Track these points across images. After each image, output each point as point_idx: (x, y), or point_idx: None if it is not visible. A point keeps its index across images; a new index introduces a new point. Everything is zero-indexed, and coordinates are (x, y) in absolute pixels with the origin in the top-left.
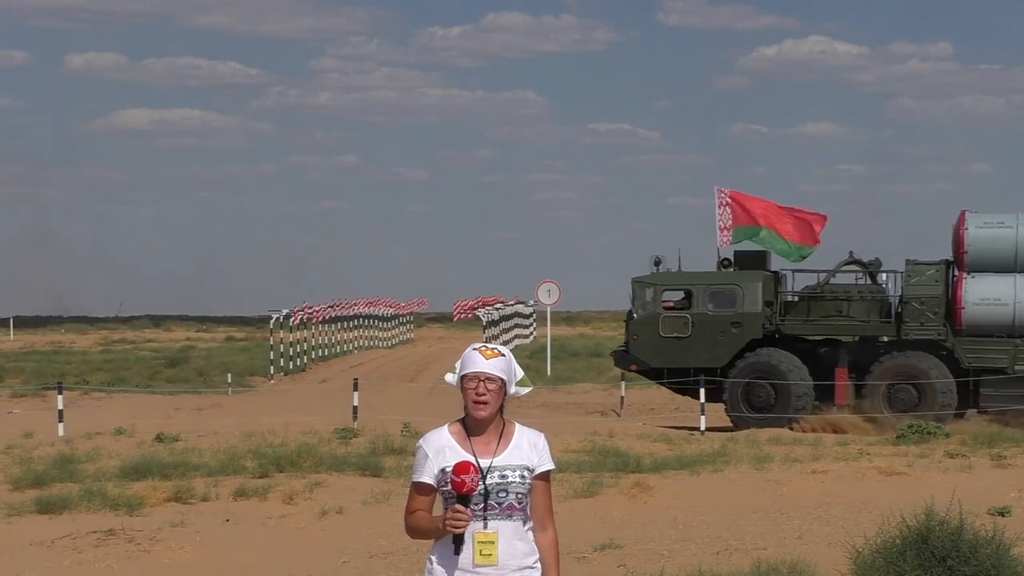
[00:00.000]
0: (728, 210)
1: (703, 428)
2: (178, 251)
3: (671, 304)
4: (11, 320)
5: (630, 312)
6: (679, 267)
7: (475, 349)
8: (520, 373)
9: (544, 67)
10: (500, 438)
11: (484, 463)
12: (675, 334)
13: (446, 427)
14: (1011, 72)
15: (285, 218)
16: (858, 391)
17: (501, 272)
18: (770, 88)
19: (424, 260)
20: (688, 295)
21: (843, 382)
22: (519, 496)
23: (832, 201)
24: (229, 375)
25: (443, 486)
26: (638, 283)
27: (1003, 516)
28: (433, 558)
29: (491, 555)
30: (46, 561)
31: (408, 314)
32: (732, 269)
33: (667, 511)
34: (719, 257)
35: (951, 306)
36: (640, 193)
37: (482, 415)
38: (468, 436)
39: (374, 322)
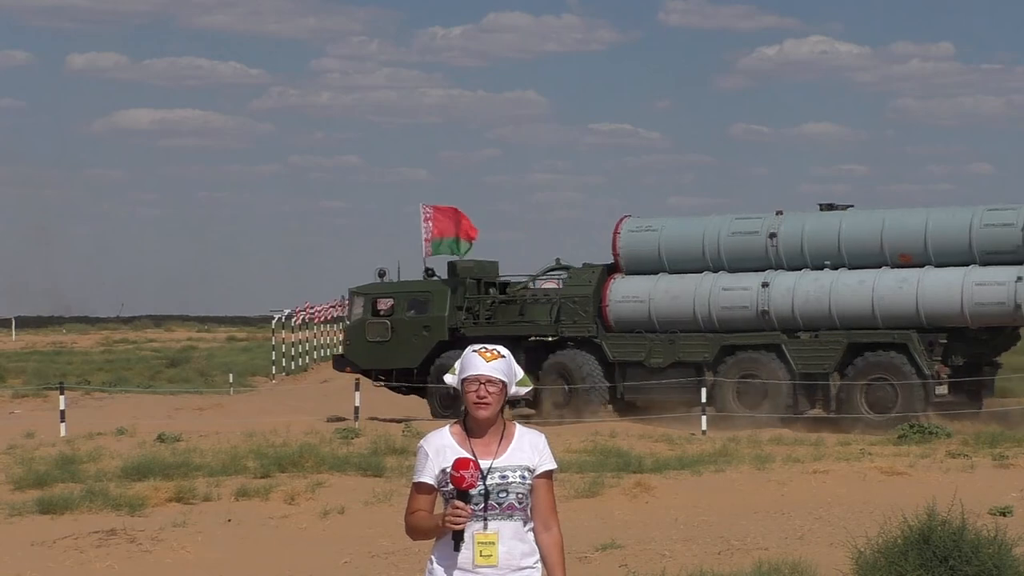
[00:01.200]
0: (430, 224)
1: (704, 428)
2: (179, 251)
3: (383, 311)
4: (12, 320)
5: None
6: (399, 278)
7: (475, 351)
8: (520, 373)
9: (545, 67)
10: (501, 439)
11: (485, 464)
12: (378, 338)
13: (447, 428)
14: (1012, 72)
15: (285, 218)
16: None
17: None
18: (770, 88)
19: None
20: (395, 303)
21: None
22: (519, 496)
23: (832, 201)
24: (231, 375)
25: (444, 486)
26: (353, 292)
27: (1005, 516)
28: (433, 558)
29: (491, 556)
30: (48, 561)
31: None
32: (436, 278)
33: (669, 511)
34: (424, 267)
35: (600, 305)
36: (641, 193)
37: (483, 415)
38: (469, 437)
39: None
